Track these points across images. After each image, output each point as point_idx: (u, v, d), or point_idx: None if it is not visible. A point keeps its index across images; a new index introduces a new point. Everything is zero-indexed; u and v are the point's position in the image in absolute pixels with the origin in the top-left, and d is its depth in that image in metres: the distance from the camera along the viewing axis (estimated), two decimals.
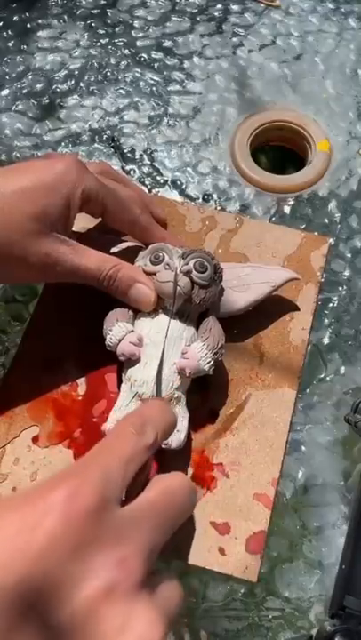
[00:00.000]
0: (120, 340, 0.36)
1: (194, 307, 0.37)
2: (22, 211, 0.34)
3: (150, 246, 0.39)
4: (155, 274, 0.37)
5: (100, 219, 0.41)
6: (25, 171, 0.36)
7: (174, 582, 0.26)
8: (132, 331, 0.37)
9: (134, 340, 0.36)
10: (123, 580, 0.23)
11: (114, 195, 0.38)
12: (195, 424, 0.38)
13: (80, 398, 0.40)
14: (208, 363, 0.36)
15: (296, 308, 0.43)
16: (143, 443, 0.28)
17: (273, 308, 0.42)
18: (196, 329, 0.38)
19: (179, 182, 0.49)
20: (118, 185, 0.39)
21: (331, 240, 0.46)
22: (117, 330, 0.36)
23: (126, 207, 0.39)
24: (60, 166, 0.36)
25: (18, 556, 0.22)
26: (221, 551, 0.36)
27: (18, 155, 0.51)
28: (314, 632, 0.35)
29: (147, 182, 0.49)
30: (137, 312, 0.38)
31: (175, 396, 0.36)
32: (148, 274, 0.37)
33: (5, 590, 0.22)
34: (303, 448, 0.39)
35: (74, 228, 0.38)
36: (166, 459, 0.37)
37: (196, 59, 0.55)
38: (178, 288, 0.36)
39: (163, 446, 0.35)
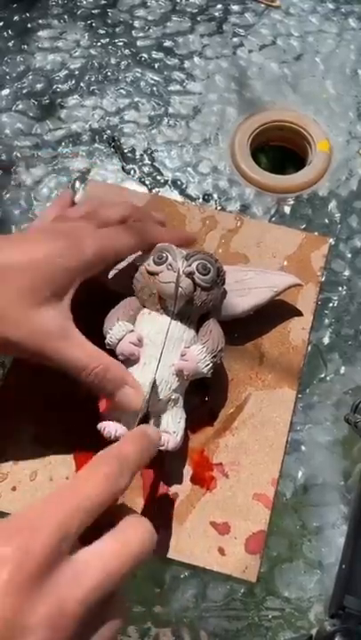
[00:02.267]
0: (120, 340, 0.36)
1: (195, 308, 0.37)
2: (15, 286, 0.33)
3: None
4: (157, 274, 0.37)
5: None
6: (23, 244, 0.35)
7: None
8: (133, 330, 0.37)
9: (134, 339, 0.36)
10: (56, 627, 0.23)
11: (111, 254, 0.37)
12: (194, 424, 0.38)
13: (80, 397, 0.40)
14: (207, 365, 0.36)
15: (298, 314, 0.43)
16: (114, 488, 0.27)
17: (275, 312, 0.42)
18: (197, 331, 0.38)
19: (179, 182, 0.49)
20: (111, 231, 0.38)
21: (331, 240, 0.46)
22: (117, 329, 0.36)
23: (125, 252, 0.38)
24: (58, 246, 0.35)
25: None
26: (221, 551, 0.36)
27: (18, 154, 0.51)
28: (314, 632, 0.35)
29: (147, 182, 0.49)
30: (138, 311, 0.38)
31: (173, 397, 0.36)
32: (151, 274, 0.37)
33: None
34: (303, 448, 0.39)
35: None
36: (164, 459, 0.37)
37: (196, 59, 0.55)
38: (179, 289, 0.36)
39: (160, 447, 0.35)
